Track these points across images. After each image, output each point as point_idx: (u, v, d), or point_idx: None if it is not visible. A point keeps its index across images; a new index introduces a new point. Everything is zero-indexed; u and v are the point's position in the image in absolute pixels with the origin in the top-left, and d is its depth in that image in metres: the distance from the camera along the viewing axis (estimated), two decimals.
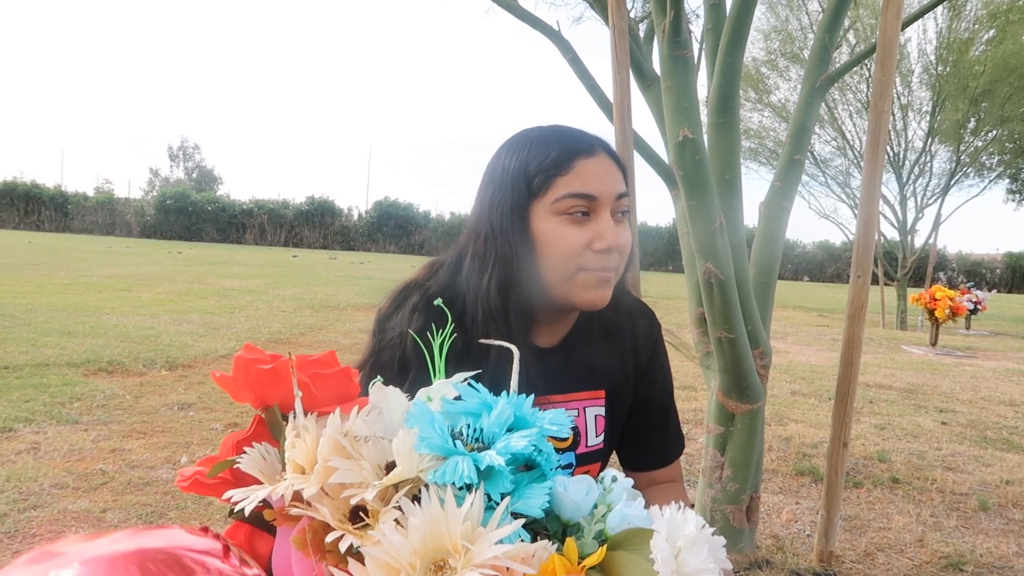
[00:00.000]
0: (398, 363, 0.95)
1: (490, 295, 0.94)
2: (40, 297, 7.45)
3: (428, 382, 0.70)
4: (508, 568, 0.54)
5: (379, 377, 0.70)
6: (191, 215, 29.28)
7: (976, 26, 9.90)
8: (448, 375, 0.72)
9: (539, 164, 0.93)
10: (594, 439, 1.05)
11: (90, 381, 4.14)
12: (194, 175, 47.41)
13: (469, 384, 0.67)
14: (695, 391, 4.96)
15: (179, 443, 3.19)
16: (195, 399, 3.93)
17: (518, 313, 0.95)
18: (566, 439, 1.02)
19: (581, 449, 1.04)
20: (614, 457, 1.18)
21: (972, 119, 10.56)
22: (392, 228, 30.47)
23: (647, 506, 1.06)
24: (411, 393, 0.68)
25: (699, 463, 2.48)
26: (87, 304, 7.18)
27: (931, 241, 11.99)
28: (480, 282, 0.95)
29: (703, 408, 4.18)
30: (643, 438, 1.14)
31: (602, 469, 1.09)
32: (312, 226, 30.19)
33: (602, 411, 1.06)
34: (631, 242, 0.98)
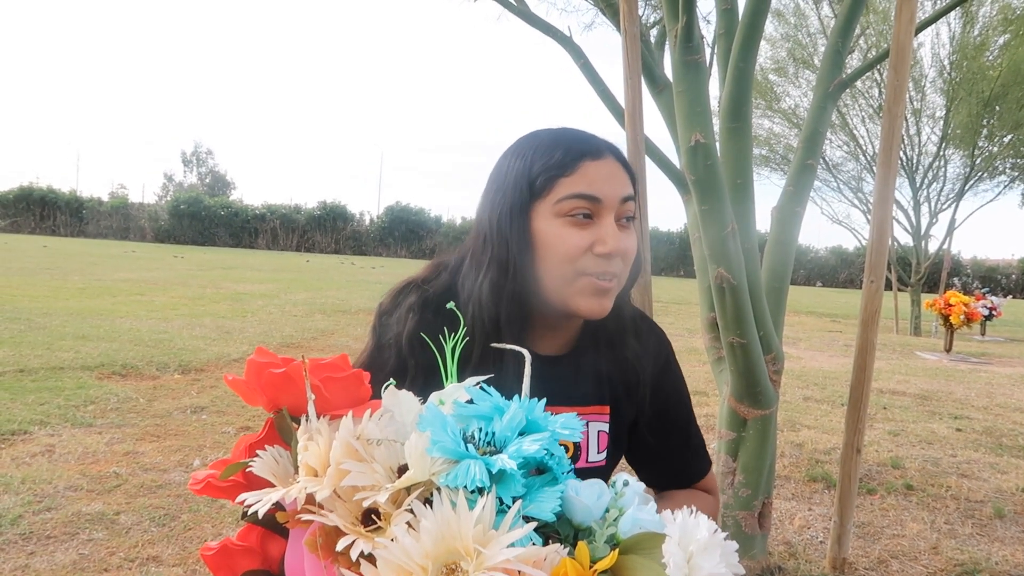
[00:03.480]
0: (395, 364, 0.94)
1: (482, 295, 0.93)
2: (55, 301, 7.52)
3: (426, 384, 0.70)
4: (519, 572, 0.54)
5: (392, 381, 0.70)
6: (204, 220, 29.47)
7: (990, 31, 9.84)
8: (446, 377, 0.72)
9: (543, 164, 0.91)
10: (595, 455, 1.02)
11: (104, 384, 4.17)
12: (207, 180, 47.74)
13: (481, 388, 0.68)
14: (707, 396, 4.94)
15: (192, 446, 3.21)
16: (208, 403, 3.95)
17: (510, 316, 0.93)
18: (575, 443, 1.00)
19: (581, 464, 1.01)
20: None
21: (986, 124, 10.47)
22: (403, 233, 30.56)
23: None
24: (412, 395, 0.68)
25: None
26: (101, 308, 7.24)
27: (945, 246, 11.89)
28: (474, 283, 0.94)
29: (715, 414, 4.17)
30: (663, 458, 1.11)
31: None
32: (324, 231, 30.32)
33: (606, 427, 1.03)
34: (635, 249, 0.95)
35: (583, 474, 1.01)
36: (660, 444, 1.10)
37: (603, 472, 1.04)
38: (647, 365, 1.08)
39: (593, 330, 1.04)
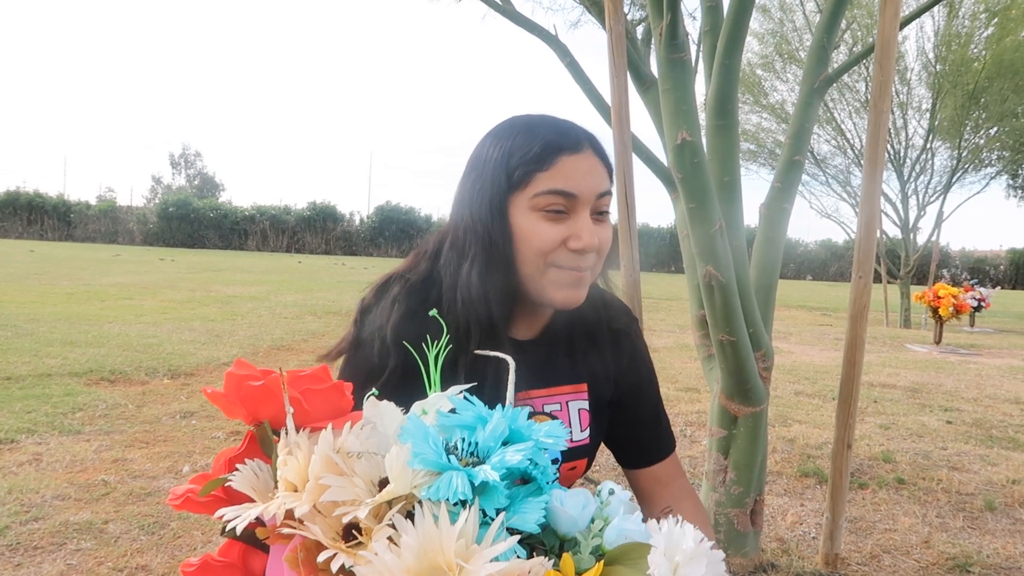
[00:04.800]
0: (377, 356, 0.93)
1: (471, 284, 0.92)
2: (42, 307, 7.46)
3: (407, 377, 0.69)
4: None
5: (374, 391, 0.69)
6: (193, 222, 29.35)
7: (975, 23, 9.89)
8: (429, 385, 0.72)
9: (521, 156, 0.91)
10: (579, 434, 1.04)
11: (92, 391, 4.14)
12: (196, 182, 47.56)
13: (464, 397, 0.67)
14: (698, 393, 4.95)
15: (181, 452, 3.18)
16: (197, 407, 3.92)
17: (498, 303, 0.93)
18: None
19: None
20: (613, 462, 1.17)
21: (971, 117, 10.53)
22: (394, 232, 30.51)
23: (659, 507, 1.04)
24: (388, 387, 0.68)
25: (702, 466, 2.47)
26: (89, 313, 7.19)
27: (934, 239, 11.96)
28: (459, 271, 0.94)
29: (706, 411, 4.17)
30: (637, 435, 1.13)
31: (589, 465, 1.08)
32: (314, 232, 30.25)
33: (585, 405, 1.05)
34: (610, 240, 0.96)
35: (570, 454, 1.02)
36: (633, 419, 1.12)
37: (588, 450, 1.06)
38: (620, 341, 1.11)
39: (567, 311, 1.04)
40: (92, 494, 2.65)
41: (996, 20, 9.53)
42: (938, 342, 8.74)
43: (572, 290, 0.93)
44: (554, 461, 1.00)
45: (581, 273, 0.93)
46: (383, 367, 0.92)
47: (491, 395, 0.74)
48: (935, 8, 9.66)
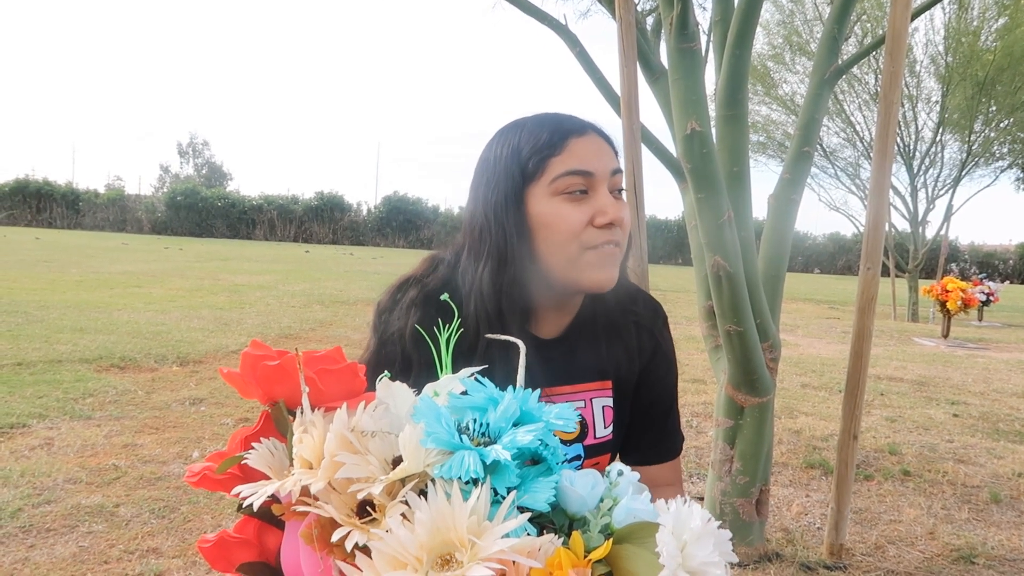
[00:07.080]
0: (400, 359, 0.95)
1: (483, 284, 0.93)
2: (53, 294, 7.51)
3: (431, 378, 0.70)
4: (514, 562, 0.54)
5: (386, 372, 0.70)
6: (201, 211, 29.44)
7: (987, 13, 9.80)
8: (451, 370, 0.72)
9: (532, 147, 0.92)
10: (603, 431, 1.04)
11: (102, 377, 4.17)
12: (204, 171, 47.61)
13: (476, 379, 0.68)
14: (705, 384, 4.96)
15: (191, 438, 3.21)
16: (206, 394, 3.95)
17: (513, 302, 0.94)
18: (572, 432, 1.01)
19: (589, 440, 1.02)
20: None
21: (982, 109, 10.44)
22: (401, 223, 30.54)
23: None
24: (416, 389, 0.69)
25: (708, 456, 2.48)
26: (99, 301, 7.23)
27: (943, 232, 11.90)
28: (475, 274, 0.95)
29: (713, 401, 4.17)
30: (641, 431, 1.11)
31: (612, 461, 1.08)
32: (321, 221, 30.30)
33: (610, 402, 1.05)
34: (629, 221, 0.97)
35: (593, 450, 1.02)
36: (642, 415, 1.10)
37: (611, 446, 1.06)
38: (645, 336, 1.10)
39: (592, 307, 1.05)
40: (103, 478, 2.68)
41: (1008, 12, 9.44)
42: (946, 336, 8.72)
43: (606, 271, 0.93)
44: (576, 457, 1.01)
45: (613, 250, 0.93)
46: (407, 370, 0.93)
47: (504, 387, 0.75)
48: (945, 0, 9.59)
